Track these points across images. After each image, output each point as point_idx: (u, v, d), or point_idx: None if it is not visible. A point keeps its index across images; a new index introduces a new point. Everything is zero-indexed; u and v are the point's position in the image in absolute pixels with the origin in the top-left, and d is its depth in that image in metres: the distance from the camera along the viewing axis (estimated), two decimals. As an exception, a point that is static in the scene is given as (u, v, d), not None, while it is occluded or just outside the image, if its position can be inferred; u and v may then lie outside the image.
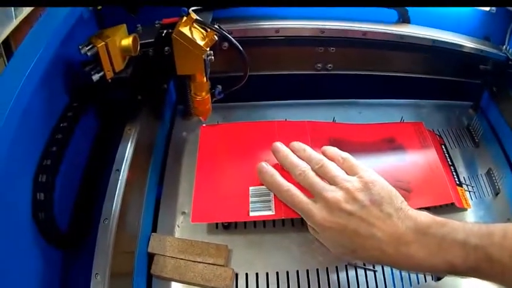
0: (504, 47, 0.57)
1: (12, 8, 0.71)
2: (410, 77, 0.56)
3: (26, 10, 0.74)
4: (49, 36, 0.40)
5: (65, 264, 0.43)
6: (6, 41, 0.70)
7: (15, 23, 0.71)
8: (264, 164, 0.41)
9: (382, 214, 0.34)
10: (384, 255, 0.33)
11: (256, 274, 0.42)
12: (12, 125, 0.32)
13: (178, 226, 0.46)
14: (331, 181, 0.36)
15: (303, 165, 0.38)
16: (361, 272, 0.43)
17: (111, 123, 0.51)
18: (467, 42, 0.54)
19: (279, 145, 0.41)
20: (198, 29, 0.43)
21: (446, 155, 0.53)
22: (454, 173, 0.52)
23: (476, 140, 0.56)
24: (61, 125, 0.44)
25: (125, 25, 0.45)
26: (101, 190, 0.46)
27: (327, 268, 0.42)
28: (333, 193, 0.35)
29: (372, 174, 0.36)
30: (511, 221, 0.51)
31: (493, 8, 0.58)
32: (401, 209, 0.35)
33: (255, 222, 0.45)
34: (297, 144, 0.41)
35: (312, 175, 0.37)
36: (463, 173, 0.53)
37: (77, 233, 0.45)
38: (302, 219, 0.45)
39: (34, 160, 0.39)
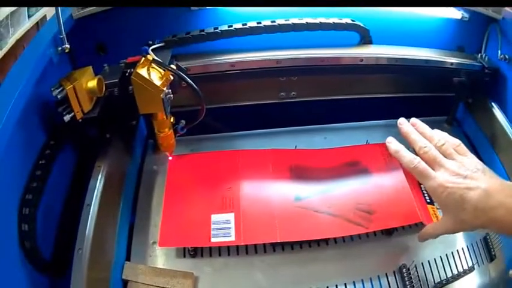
0: (479, 55, 0.60)
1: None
2: (378, 97, 0.60)
3: (11, 41, 0.82)
4: (23, 82, 0.47)
5: None
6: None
7: (0, 53, 0.81)
8: (392, 139, 0.50)
9: (488, 177, 0.44)
10: (488, 205, 0.42)
11: (222, 299, 0.48)
12: None
13: (150, 255, 0.53)
14: (449, 157, 0.47)
15: (425, 142, 0.48)
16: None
17: (87, 159, 0.59)
18: (434, 56, 0.57)
19: (404, 121, 0.51)
20: (156, 68, 0.49)
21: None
22: (425, 192, 0.56)
23: (451, 155, 0.59)
24: (40, 162, 0.52)
25: (91, 67, 0.52)
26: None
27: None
28: (452, 163, 0.46)
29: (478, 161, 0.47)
30: (489, 234, 0.55)
31: (466, 16, 0.61)
32: (504, 183, 0.44)
33: (219, 250, 0.51)
34: (421, 124, 0.50)
35: (434, 149, 0.47)
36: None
37: (60, 260, 0.53)
38: (265, 245, 0.51)
39: (18, 194, 0.46)
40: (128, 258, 0.52)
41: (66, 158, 0.57)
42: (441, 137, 0.49)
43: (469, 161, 0.46)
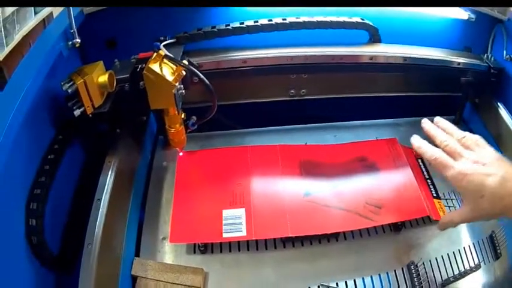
0: (485, 55, 0.62)
1: (3, 36, 0.81)
2: (386, 96, 0.61)
3: (17, 38, 0.83)
4: (32, 75, 0.48)
5: (58, 285, 0.51)
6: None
7: (6, 50, 0.81)
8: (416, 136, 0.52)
9: (507, 165, 0.46)
10: (506, 190, 0.44)
11: (232, 296, 0.48)
12: (3, 156, 0.40)
13: (159, 251, 0.53)
14: (469, 148, 0.49)
15: (446, 136, 0.51)
16: (336, 293, 0.49)
17: (96, 154, 0.59)
18: (442, 56, 0.58)
19: (426, 120, 0.54)
20: (168, 64, 0.50)
21: (423, 168, 0.58)
22: (431, 186, 0.57)
23: (458, 153, 0.60)
24: (48, 156, 0.52)
25: (101, 62, 0.52)
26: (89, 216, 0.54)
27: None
28: (472, 153, 0.48)
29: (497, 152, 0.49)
30: (495, 233, 0.56)
31: (472, 17, 0.62)
32: None
33: (230, 246, 0.52)
34: (443, 121, 0.53)
35: (454, 142, 0.50)
36: (444, 188, 0.58)
37: (67, 256, 0.53)
38: (275, 241, 0.52)
39: (26, 189, 0.47)
40: (137, 254, 0.53)
41: (75, 153, 0.58)
42: (461, 132, 0.51)
43: (488, 152, 0.48)
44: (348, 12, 0.59)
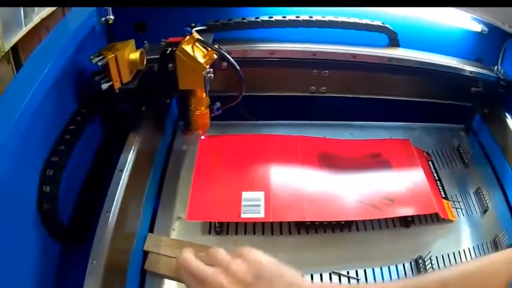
0: (496, 67, 0.67)
1: (22, 16, 0.84)
2: (402, 100, 0.66)
3: (35, 20, 0.86)
4: (62, 45, 0.50)
5: (62, 258, 0.51)
6: (14, 48, 0.83)
7: (24, 30, 0.84)
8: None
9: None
10: None
11: (244, 277, 0.51)
12: (23, 123, 0.41)
13: (173, 229, 0.56)
14: (216, 264, 0.36)
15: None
16: (344, 280, 0.52)
17: (115, 132, 0.62)
18: (456, 64, 0.64)
19: None
20: (199, 47, 0.54)
21: (433, 170, 0.63)
22: (440, 187, 0.61)
23: (466, 161, 0.66)
24: (70, 127, 0.54)
25: (133, 40, 0.56)
26: (103, 192, 0.56)
27: (312, 275, 0.52)
28: (214, 277, 0.34)
29: (258, 254, 0.36)
30: (498, 237, 0.59)
31: (485, 29, 0.68)
32: (294, 283, 0.34)
33: (245, 228, 0.55)
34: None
35: (194, 262, 0.36)
36: (451, 191, 0.63)
37: (77, 229, 0.54)
38: (290, 226, 0.55)
39: (43, 156, 0.48)
40: (152, 231, 0.55)
41: (94, 129, 0.60)
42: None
43: (245, 266, 0.34)
44: (368, 16, 0.64)
